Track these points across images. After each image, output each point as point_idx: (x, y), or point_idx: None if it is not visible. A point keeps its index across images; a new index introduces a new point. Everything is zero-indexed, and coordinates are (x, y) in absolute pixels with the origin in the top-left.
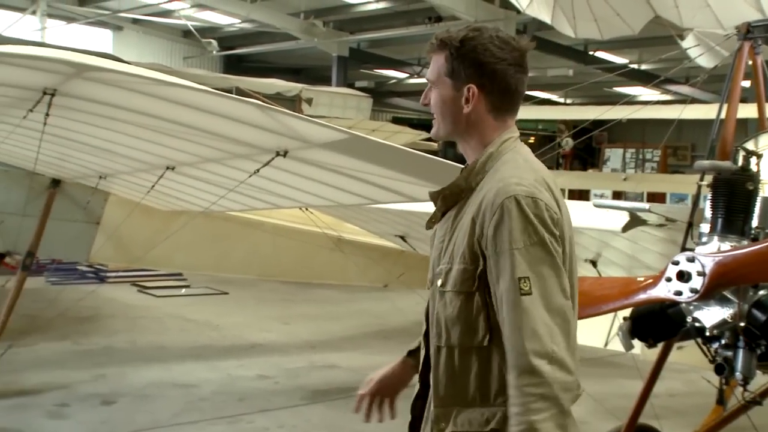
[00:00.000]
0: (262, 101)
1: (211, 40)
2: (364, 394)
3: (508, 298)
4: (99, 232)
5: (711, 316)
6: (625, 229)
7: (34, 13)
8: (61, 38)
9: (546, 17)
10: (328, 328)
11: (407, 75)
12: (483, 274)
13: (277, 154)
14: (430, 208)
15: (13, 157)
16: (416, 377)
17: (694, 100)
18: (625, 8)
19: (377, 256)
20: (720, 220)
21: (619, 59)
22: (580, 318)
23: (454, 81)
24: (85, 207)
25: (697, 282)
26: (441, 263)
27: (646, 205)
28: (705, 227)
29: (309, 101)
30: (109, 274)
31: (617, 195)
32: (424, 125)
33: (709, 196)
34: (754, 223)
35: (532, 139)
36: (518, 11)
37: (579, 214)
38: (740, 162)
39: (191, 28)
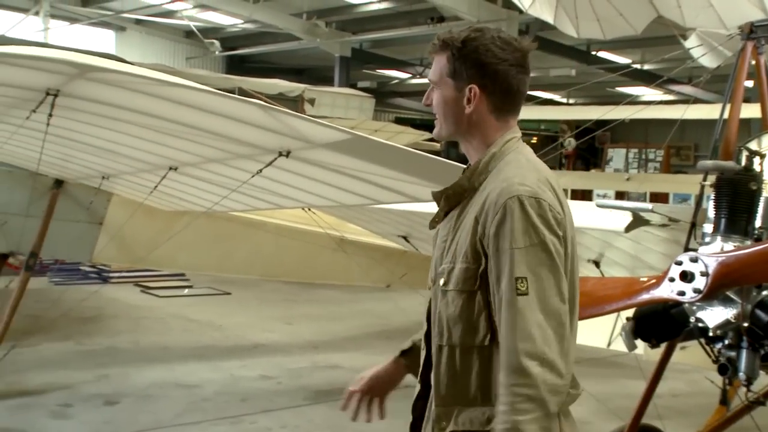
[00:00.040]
0: (265, 101)
1: (214, 41)
2: (354, 392)
3: (505, 297)
4: (102, 232)
5: (714, 316)
6: (628, 229)
7: (37, 13)
8: (64, 39)
9: (548, 17)
10: (330, 328)
11: (410, 75)
12: (485, 273)
13: (280, 154)
14: (432, 208)
15: (16, 157)
16: (408, 377)
17: (697, 100)
18: (627, 8)
19: (380, 257)
20: (723, 220)
21: (621, 59)
22: (584, 318)
23: (456, 81)
24: (88, 207)
25: (700, 282)
26: (443, 262)
27: (649, 206)
28: (708, 227)
29: (311, 101)
30: (112, 275)
31: (620, 195)
32: (427, 125)
33: (713, 196)
34: (758, 223)
35: (534, 140)
36: (521, 11)
37: (582, 215)
38: (743, 162)
39: (194, 28)
